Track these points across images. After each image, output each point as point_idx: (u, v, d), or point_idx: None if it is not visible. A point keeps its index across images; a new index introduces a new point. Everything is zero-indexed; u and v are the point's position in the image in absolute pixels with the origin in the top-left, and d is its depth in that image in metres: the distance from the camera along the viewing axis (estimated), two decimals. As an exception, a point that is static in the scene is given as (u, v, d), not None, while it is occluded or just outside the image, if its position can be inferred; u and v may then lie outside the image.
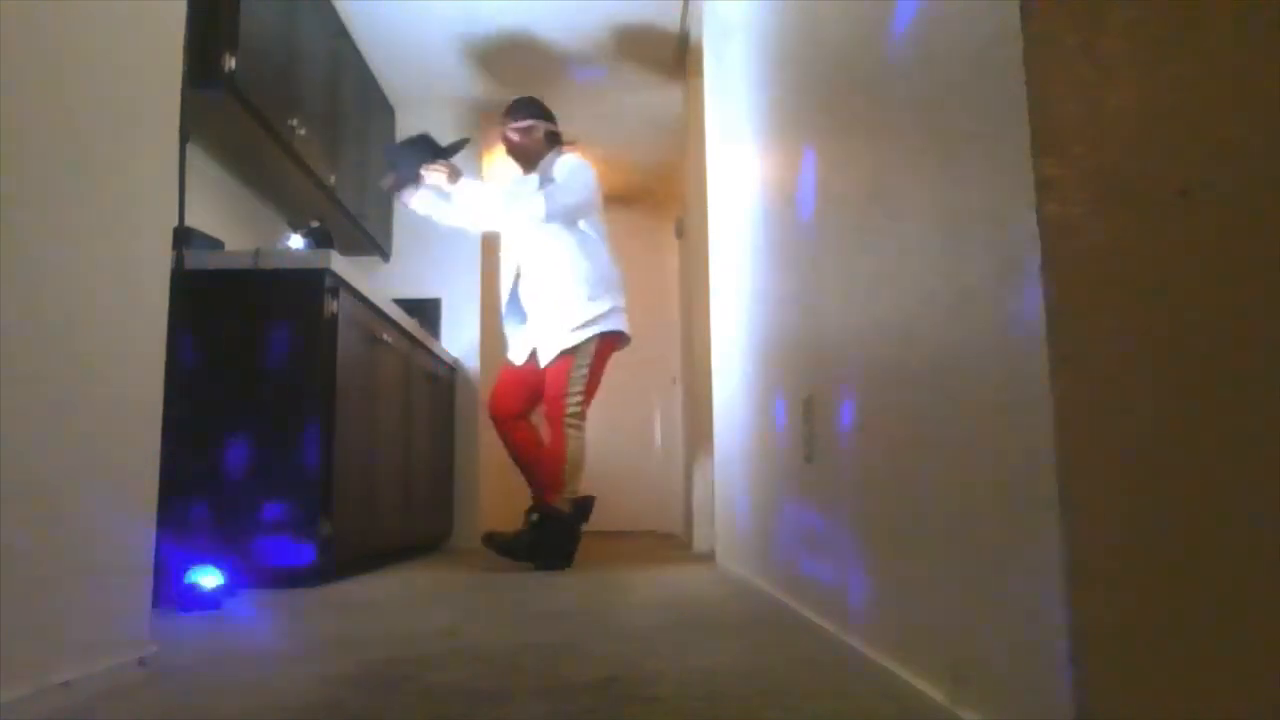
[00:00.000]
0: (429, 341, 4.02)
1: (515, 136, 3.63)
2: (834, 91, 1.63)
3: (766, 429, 2.36)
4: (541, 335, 3.49)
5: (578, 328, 3.44)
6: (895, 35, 1.25)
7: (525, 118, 3.63)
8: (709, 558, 3.64)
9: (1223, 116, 0.82)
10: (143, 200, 1.34)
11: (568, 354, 3.43)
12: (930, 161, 1.11)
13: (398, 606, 2.20)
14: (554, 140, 3.67)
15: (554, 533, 3.31)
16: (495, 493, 5.19)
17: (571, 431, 3.40)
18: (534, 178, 3.57)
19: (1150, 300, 0.79)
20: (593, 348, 3.45)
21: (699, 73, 4.08)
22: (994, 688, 0.92)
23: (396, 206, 4.45)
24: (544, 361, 3.47)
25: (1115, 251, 0.80)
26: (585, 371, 3.44)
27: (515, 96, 3.75)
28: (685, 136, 4.48)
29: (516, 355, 3.59)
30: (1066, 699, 0.74)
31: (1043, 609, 0.78)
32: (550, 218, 3.42)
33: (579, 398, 3.43)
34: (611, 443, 6.12)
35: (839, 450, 1.60)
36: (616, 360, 3.85)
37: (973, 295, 0.97)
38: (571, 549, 3.33)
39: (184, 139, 1.71)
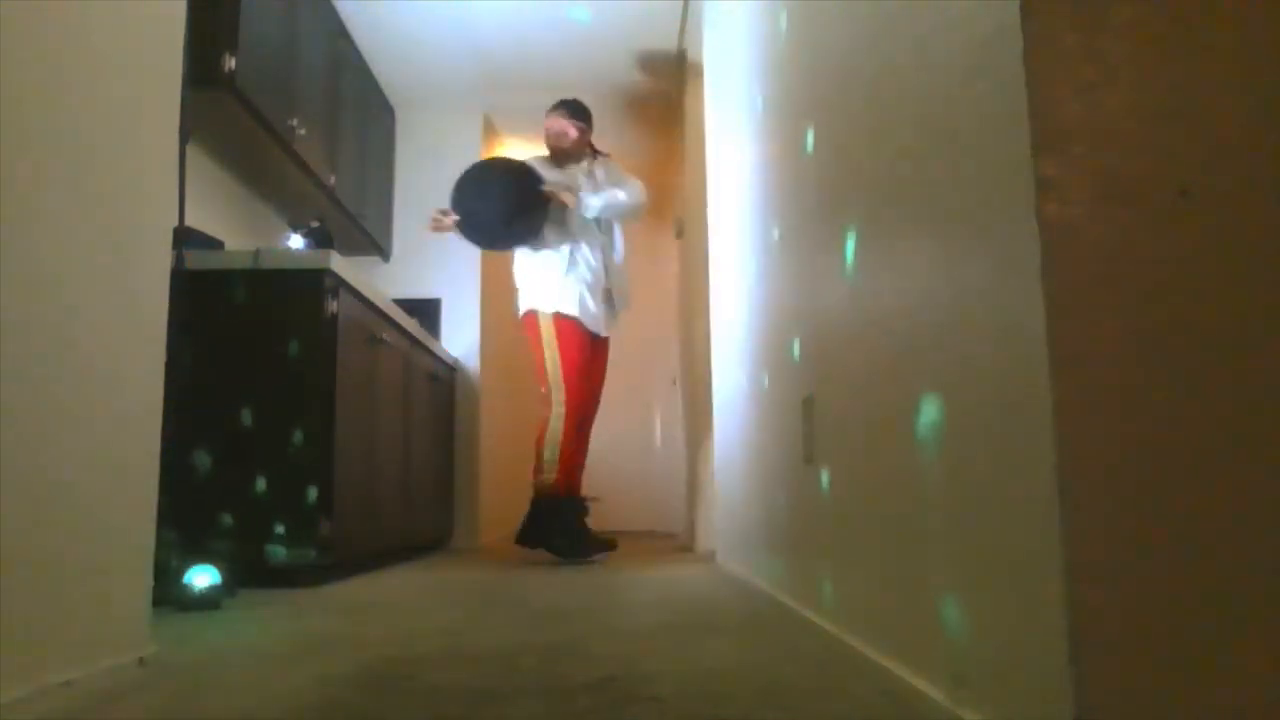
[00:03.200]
0: (429, 341, 4.02)
1: (574, 133, 3.86)
2: (834, 91, 1.63)
3: (766, 429, 2.36)
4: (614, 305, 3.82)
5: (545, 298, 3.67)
6: (895, 35, 1.25)
7: (584, 121, 3.90)
8: (709, 558, 3.64)
9: (1223, 116, 0.82)
10: (143, 200, 1.34)
11: (532, 315, 3.68)
12: (930, 161, 1.11)
13: (398, 606, 2.20)
14: (589, 145, 3.96)
15: (533, 516, 3.54)
16: (495, 493, 5.19)
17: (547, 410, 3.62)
18: (576, 171, 3.81)
19: (1150, 300, 0.79)
20: (552, 323, 3.64)
21: (698, 72, 4.08)
22: (994, 688, 0.92)
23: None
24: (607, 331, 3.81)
25: (1115, 251, 0.80)
26: (550, 348, 3.63)
27: (568, 98, 3.96)
28: (684, 136, 4.48)
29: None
30: (1066, 699, 0.74)
31: (1043, 609, 0.78)
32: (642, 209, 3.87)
33: (548, 372, 3.63)
34: (611, 443, 6.12)
35: (839, 450, 1.60)
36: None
37: (973, 295, 0.97)
38: (543, 538, 3.51)
39: (184, 139, 1.71)
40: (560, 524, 3.51)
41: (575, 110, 3.90)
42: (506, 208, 3.58)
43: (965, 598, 1.00)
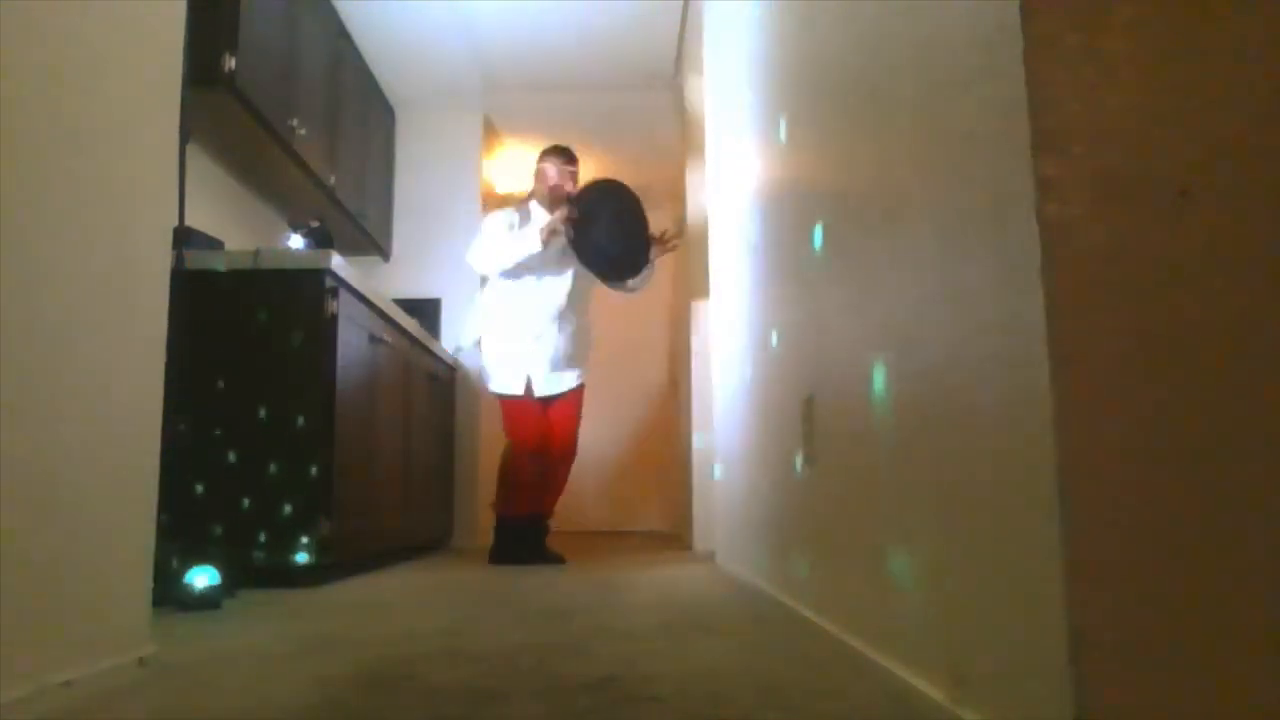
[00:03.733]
0: (429, 341, 4.02)
1: (572, 184, 3.76)
2: (835, 91, 1.63)
3: (766, 429, 2.36)
4: (564, 365, 3.73)
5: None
6: (896, 35, 1.25)
7: (578, 170, 3.82)
8: (709, 558, 3.64)
9: (1223, 117, 0.82)
10: (143, 200, 1.34)
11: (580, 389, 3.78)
12: (930, 161, 1.11)
13: (398, 606, 2.20)
14: None
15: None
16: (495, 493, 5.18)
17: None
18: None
19: (1150, 300, 0.79)
20: (499, 404, 3.81)
21: (699, 72, 4.08)
22: (994, 688, 0.92)
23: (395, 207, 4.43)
24: (562, 389, 3.71)
25: (1115, 251, 0.80)
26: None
27: (563, 145, 3.87)
28: (685, 136, 4.48)
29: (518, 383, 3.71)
30: (1067, 699, 0.74)
31: (1043, 609, 0.78)
32: None
33: None
34: (612, 443, 6.12)
35: (839, 450, 1.60)
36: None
37: (973, 295, 0.97)
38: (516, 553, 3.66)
39: (184, 139, 1.71)
40: (514, 536, 3.64)
41: (574, 160, 3.85)
42: (622, 229, 3.60)
43: (965, 598, 1.00)
